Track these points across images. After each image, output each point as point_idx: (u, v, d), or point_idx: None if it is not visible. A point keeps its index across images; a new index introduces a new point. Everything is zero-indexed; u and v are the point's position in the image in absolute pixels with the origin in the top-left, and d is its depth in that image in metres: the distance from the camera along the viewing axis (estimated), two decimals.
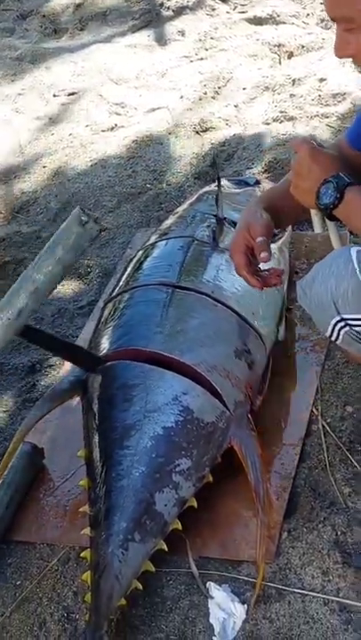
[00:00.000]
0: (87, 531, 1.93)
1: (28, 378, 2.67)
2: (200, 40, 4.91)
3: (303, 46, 4.49)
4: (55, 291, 2.99)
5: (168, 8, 5.33)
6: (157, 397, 2.04)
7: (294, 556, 1.92)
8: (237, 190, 2.94)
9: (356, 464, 2.09)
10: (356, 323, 1.68)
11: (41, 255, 1.96)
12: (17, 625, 1.92)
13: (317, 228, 1.78)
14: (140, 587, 1.84)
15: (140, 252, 2.58)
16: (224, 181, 2.98)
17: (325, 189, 1.63)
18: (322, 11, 4.79)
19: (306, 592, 1.84)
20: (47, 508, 2.18)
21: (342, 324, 1.71)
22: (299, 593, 1.84)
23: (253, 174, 3.38)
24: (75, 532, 2.04)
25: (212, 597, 1.85)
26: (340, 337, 1.74)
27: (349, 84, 3.93)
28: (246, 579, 1.90)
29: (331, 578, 1.85)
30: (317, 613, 1.79)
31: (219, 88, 4.32)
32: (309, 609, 1.80)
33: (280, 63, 4.44)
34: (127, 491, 1.90)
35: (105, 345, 2.23)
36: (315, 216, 1.76)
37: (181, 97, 4.33)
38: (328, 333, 1.76)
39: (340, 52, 1.59)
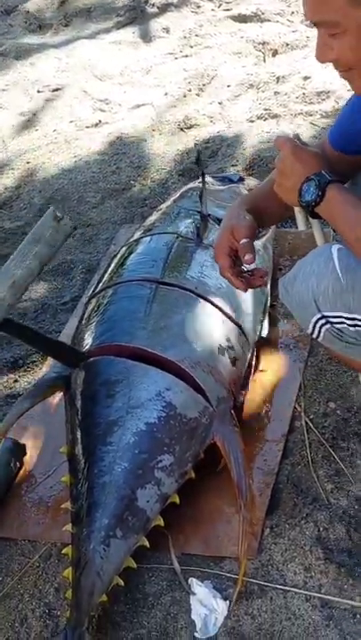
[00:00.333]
0: (69, 527, 1.92)
1: (10, 373, 2.66)
2: (185, 37, 4.92)
3: (288, 44, 4.50)
4: (38, 287, 3.01)
5: (153, 5, 5.33)
6: (140, 393, 2.03)
7: (276, 552, 1.92)
8: (221, 187, 2.94)
9: (338, 460, 2.09)
10: (336, 320, 1.69)
11: (19, 251, 1.98)
12: None
13: (301, 226, 1.78)
14: (122, 583, 1.84)
15: (124, 248, 2.58)
16: (208, 178, 2.98)
17: (307, 187, 1.64)
18: None
19: (288, 588, 1.84)
20: (29, 505, 2.17)
21: (323, 321, 1.71)
22: (281, 589, 1.84)
23: (237, 171, 3.39)
24: (56, 529, 2.03)
25: (193, 593, 1.85)
26: (322, 334, 1.75)
27: (334, 83, 3.94)
28: (228, 575, 1.89)
29: (313, 574, 1.85)
30: (299, 609, 1.79)
31: (203, 85, 4.33)
32: (291, 605, 1.80)
33: (265, 61, 4.45)
34: (109, 487, 1.90)
35: (88, 341, 2.22)
36: (298, 213, 1.76)
37: (166, 94, 4.33)
38: (309, 331, 1.76)
39: (322, 57, 1.59)
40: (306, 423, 2.21)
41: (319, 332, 1.74)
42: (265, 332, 2.44)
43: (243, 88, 4.19)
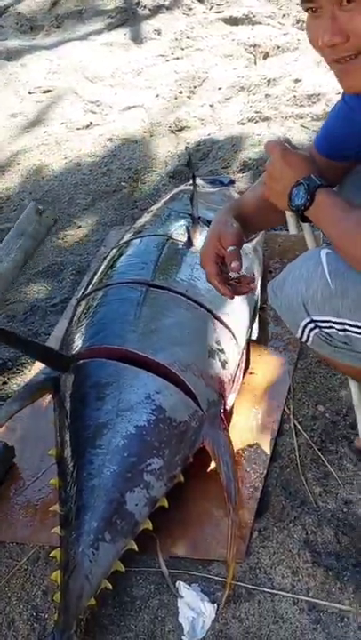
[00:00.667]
0: (57, 530, 1.92)
1: None
2: (176, 39, 4.92)
3: (279, 47, 4.51)
4: (28, 289, 3.01)
5: (144, 7, 5.34)
6: (130, 396, 2.03)
7: (264, 555, 1.92)
8: (212, 189, 2.94)
9: (327, 463, 2.10)
10: (325, 325, 1.69)
11: (3, 245, 2.01)
12: None
13: (292, 229, 1.78)
14: (110, 586, 1.83)
15: (115, 250, 2.57)
16: (198, 180, 2.98)
17: (297, 191, 1.64)
18: (298, 12, 4.81)
19: (275, 591, 1.84)
20: (17, 507, 2.16)
21: (312, 325, 1.71)
22: (268, 592, 1.84)
23: (228, 174, 3.39)
24: (45, 532, 2.03)
25: (181, 597, 1.85)
26: (311, 338, 1.74)
27: (324, 85, 3.95)
28: (216, 578, 1.89)
29: (300, 577, 1.85)
30: (287, 613, 1.79)
31: (194, 87, 4.33)
32: (279, 608, 1.80)
33: (255, 63, 4.45)
34: (98, 490, 1.89)
35: (78, 343, 2.22)
36: (290, 217, 1.76)
37: (157, 96, 4.33)
38: (298, 335, 1.76)
39: (335, 35, 1.51)
40: (295, 426, 2.21)
41: (308, 336, 1.74)
42: (255, 335, 2.44)
43: (234, 90, 4.20)
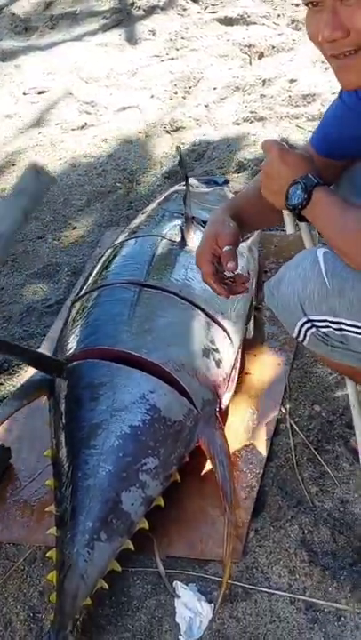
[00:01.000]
0: (53, 530, 1.91)
1: None
2: (171, 40, 4.91)
3: (274, 47, 4.51)
4: (24, 290, 3.00)
5: (139, 7, 5.33)
6: (124, 396, 2.03)
7: (261, 554, 1.92)
8: (206, 189, 2.94)
9: (323, 463, 2.10)
10: (322, 324, 1.68)
11: (2, 204, 2.01)
12: None
13: (290, 229, 1.77)
14: (106, 586, 1.83)
15: (109, 251, 2.57)
16: (193, 181, 2.98)
17: (294, 190, 1.64)
18: (293, 12, 4.82)
19: (272, 591, 1.84)
20: (14, 508, 2.16)
21: (309, 325, 1.70)
22: (265, 592, 1.84)
23: (223, 174, 3.39)
24: (41, 532, 2.02)
25: (178, 596, 1.85)
26: (307, 338, 1.74)
27: (319, 86, 3.95)
28: (213, 578, 1.89)
29: (297, 577, 1.85)
30: (284, 612, 1.79)
31: (189, 88, 4.33)
32: (276, 608, 1.80)
33: (250, 63, 4.45)
34: (93, 490, 1.89)
35: (72, 344, 2.22)
36: (287, 216, 1.76)
37: (152, 96, 4.33)
38: (295, 334, 1.76)
39: (335, 30, 1.51)
40: (291, 426, 2.22)
41: (305, 335, 1.73)
42: (250, 335, 2.44)
43: (229, 91, 4.19)
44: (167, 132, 3.94)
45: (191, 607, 1.81)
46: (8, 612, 1.92)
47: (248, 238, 2.64)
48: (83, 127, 4.18)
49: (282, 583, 1.85)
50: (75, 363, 2.14)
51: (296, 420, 2.23)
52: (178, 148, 3.31)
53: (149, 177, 3.62)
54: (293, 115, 3.79)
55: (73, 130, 4.18)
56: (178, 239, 2.48)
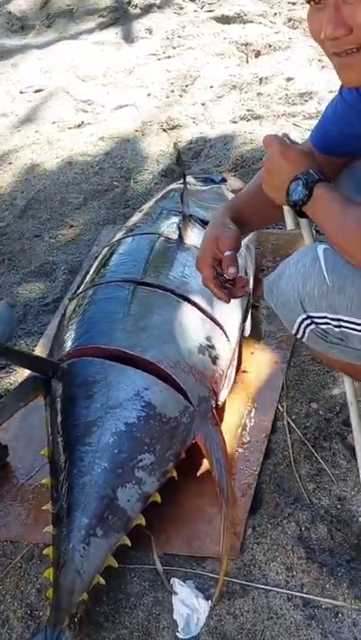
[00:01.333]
0: (49, 528, 1.92)
1: None
2: (168, 38, 4.91)
3: (270, 45, 4.50)
4: (20, 288, 3.00)
5: (136, 6, 5.33)
6: (119, 393, 2.03)
7: (259, 551, 1.92)
8: (203, 187, 2.94)
9: (320, 460, 2.10)
10: (322, 321, 1.68)
11: None
12: None
13: (290, 225, 1.77)
14: (103, 582, 1.83)
15: (106, 249, 2.57)
16: (190, 179, 2.98)
17: (295, 186, 1.63)
18: (289, 10, 4.82)
19: (270, 588, 1.84)
20: (11, 506, 2.16)
21: (308, 321, 1.70)
22: (263, 589, 1.84)
23: (220, 172, 3.38)
24: (38, 530, 2.03)
25: (175, 593, 1.85)
26: (306, 335, 1.74)
27: (316, 84, 3.95)
28: (211, 575, 1.89)
29: (295, 573, 1.86)
30: (281, 609, 1.80)
31: (186, 86, 4.33)
32: (273, 604, 1.81)
33: (247, 62, 4.45)
34: (89, 487, 1.89)
35: (68, 342, 2.22)
36: (287, 212, 1.75)
37: (149, 95, 4.33)
38: (294, 331, 1.75)
39: (338, 27, 1.49)
40: (288, 423, 2.22)
41: (304, 332, 1.73)
42: (247, 333, 2.44)
43: (226, 89, 4.19)
44: (164, 130, 3.94)
45: (189, 604, 1.82)
46: (5, 609, 1.92)
47: (245, 237, 2.63)
48: (79, 125, 4.18)
49: (279, 580, 1.85)
50: (70, 361, 2.14)
51: (293, 417, 2.23)
52: (175, 145, 3.31)
53: (146, 175, 3.62)
54: (290, 113, 3.78)
55: (70, 128, 4.17)
56: (175, 237, 2.48)
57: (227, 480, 1.97)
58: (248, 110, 3.90)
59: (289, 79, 4.10)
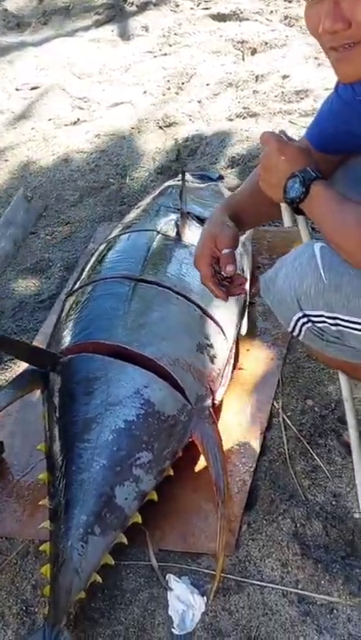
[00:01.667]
0: (46, 524, 1.92)
1: None
2: (164, 36, 4.91)
3: (267, 43, 4.51)
4: (16, 285, 3.00)
5: (132, 3, 5.33)
6: (118, 390, 2.03)
7: (254, 548, 1.92)
8: (201, 185, 2.94)
9: (315, 457, 2.10)
10: (318, 319, 1.68)
11: None
12: None
13: (287, 222, 1.77)
14: (100, 580, 1.84)
15: (103, 245, 2.57)
16: (187, 176, 2.98)
17: (292, 183, 1.63)
18: (285, 8, 4.82)
19: (265, 584, 1.84)
20: (6, 502, 2.16)
21: (304, 319, 1.70)
22: (258, 585, 1.84)
23: (217, 169, 3.39)
24: (34, 526, 2.02)
25: (171, 589, 1.85)
26: (302, 333, 1.74)
27: (312, 81, 3.95)
28: (206, 571, 1.90)
29: (290, 569, 1.86)
30: (276, 605, 1.80)
31: (182, 84, 4.33)
32: (268, 600, 1.81)
33: (243, 59, 4.45)
34: (87, 484, 1.89)
35: (66, 338, 2.22)
36: (285, 210, 1.75)
37: (145, 92, 4.33)
38: (290, 329, 1.75)
39: (336, 21, 1.49)
40: (284, 420, 2.22)
41: (300, 330, 1.73)
42: (244, 330, 2.44)
43: (222, 87, 4.19)
44: (160, 127, 3.94)
45: (184, 600, 1.82)
46: (1, 605, 1.92)
47: (243, 234, 2.63)
48: (75, 123, 4.18)
49: (274, 576, 1.86)
50: (69, 357, 2.14)
51: (289, 414, 2.24)
52: (176, 141, 3.31)
53: (142, 172, 3.62)
54: (286, 110, 3.79)
55: (65, 125, 4.17)
56: (173, 234, 2.48)
57: (223, 478, 1.97)
58: (244, 108, 3.90)
59: (285, 77, 4.10)
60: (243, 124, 3.78)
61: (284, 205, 1.73)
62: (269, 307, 1.81)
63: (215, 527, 1.92)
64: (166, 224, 2.54)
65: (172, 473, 2.01)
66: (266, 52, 4.45)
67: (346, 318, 1.63)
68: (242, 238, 2.60)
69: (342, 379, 1.93)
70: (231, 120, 3.85)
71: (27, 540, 2.05)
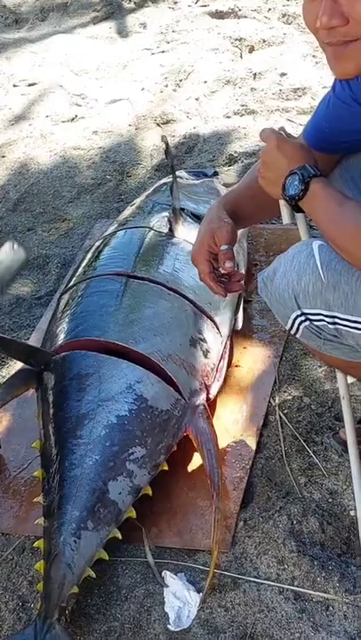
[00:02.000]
0: (41, 521, 1.92)
1: None
2: (162, 33, 4.91)
3: (264, 41, 4.51)
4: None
5: (130, 0, 5.32)
6: (111, 386, 2.03)
7: (250, 545, 1.92)
8: (195, 181, 2.94)
9: (312, 454, 2.11)
10: (316, 317, 1.68)
11: None
12: None
13: (286, 219, 1.76)
14: (94, 575, 1.83)
15: (98, 243, 2.58)
16: (182, 173, 2.99)
17: (291, 181, 1.62)
18: (283, 6, 4.82)
19: (261, 581, 1.84)
20: (3, 499, 2.16)
21: (302, 318, 1.70)
22: (254, 581, 1.84)
23: (214, 167, 3.39)
24: (30, 522, 2.03)
25: (167, 586, 1.85)
26: (300, 331, 1.74)
27: (310, 79, 3.95)
28: (202, 567, 1.90)
29: (286, 566, 1.86)
30: (272, 602, 1.80)
31: (180, 81, 4.33)
32: (264, 597, 1.81)
33: (241, 57, 4.45)
34: (80, 480, 1.90)
35: (60, 335, 2.22)
36: (283, 207, 1.74)
37: (142, 89, 4.32)
38: (288, 327, 1.75)
39: (334, 17, 1.46)
40: (280, 417, 2.22)
41: (298, 328, 1.73)
42: (239, 326, 2.44)
43: (219, 84, 4.19)
44: (157, 124, 3.94)
45: (180, 596, 1.82)
46: None
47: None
48: (73, 119, 4.18)
49: (270, 573, 1.86)
50: (62, 354, 2.15)
51: (285, 411, 2.24)
52: (163, 136, 3.30)
53: (139, 169, 3.62)
54: (284, 108, 3.79)
55: (63, 122, 4.17)
56: (166, 230, 2.48)
57: (218, 473, 1.97)
58: (242, 105, 3.90)
59: (283, 74, 4.10)
60: (240, 121, 3.78)
61: (282, 202, 1.72)
62: (267, 304, 1.81)
63: (211, 524, 1.91)
64: (159, 220, 2.54)
65: (166, 468, 2.01)
66: (264, 50, 4.45)
67: (344, 317, 1.63)
68: (238, 235, 2.61)
69: (339, 376, 1.93)
70: (229, 117, 3.85)
71: (23, 537, 2.04)
